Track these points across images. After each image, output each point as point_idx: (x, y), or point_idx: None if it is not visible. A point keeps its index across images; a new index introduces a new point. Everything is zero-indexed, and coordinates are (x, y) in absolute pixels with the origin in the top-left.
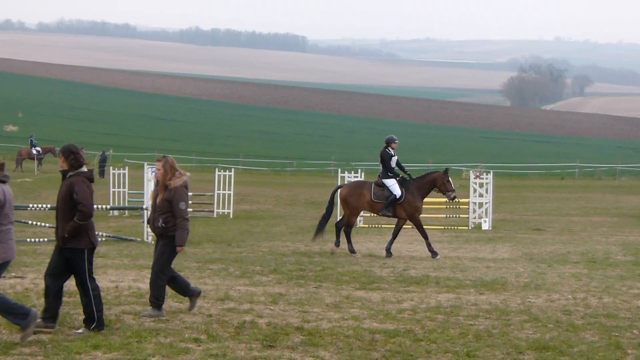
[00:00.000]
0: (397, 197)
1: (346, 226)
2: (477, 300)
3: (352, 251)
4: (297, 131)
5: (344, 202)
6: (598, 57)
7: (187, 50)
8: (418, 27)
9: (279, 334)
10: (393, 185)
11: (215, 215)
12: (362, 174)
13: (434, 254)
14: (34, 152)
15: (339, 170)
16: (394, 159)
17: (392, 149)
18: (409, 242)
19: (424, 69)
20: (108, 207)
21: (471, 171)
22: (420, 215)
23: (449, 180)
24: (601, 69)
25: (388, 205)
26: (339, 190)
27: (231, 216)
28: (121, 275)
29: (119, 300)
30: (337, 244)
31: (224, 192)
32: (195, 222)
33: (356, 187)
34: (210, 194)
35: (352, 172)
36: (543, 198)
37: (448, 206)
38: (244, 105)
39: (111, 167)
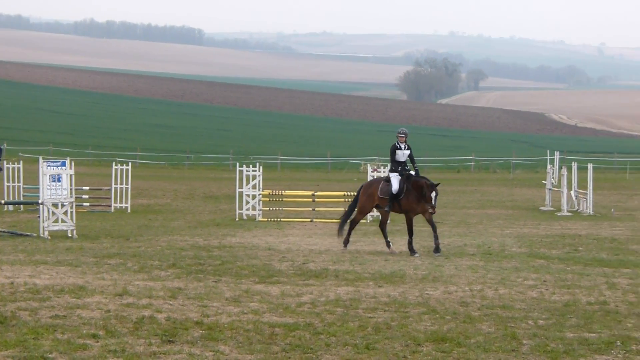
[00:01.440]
0: (394, 192)
1: (352, 221)
2: (375, 293)
3: (345, 243)
4: (195, 125)
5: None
6: (491, 52)
7: (82, 43)
8: (315, 21)
9: (178, 329)
10: (393, 179)
11: (112, 210)
12: (260, 167)
13: (412, 252)
14: None
15: (237, 163)
16: (403, 152)
17: (401, 142)
18: (307, 235)
19: (321, 62)
20: (2, 201)
21: (369, 164)
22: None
23: (430, 196)
24: (495, 63)
25: (391, 201)
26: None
27: (129, 210)
28: (17, 271)
29: (14, 297)
30: (389, 244)
31: (121, 186)
32: (92, 216)
33: (369, 187)
34: (107, 188)
35: (250, 165)
36: (440, 191)
37: (347, 199)
38: (140, 99)
39: (4, 161)
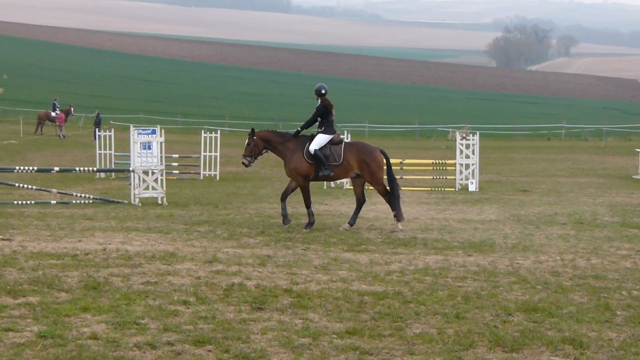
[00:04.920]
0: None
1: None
2: (465, 262)
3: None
4: (282, 92)
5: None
6: (583, 17)
7: (172, 12)
8: None
9: (267, 296)
10: None
11: (201, 178)
12: (348, 135)
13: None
14: (53, 114)
15: None
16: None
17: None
18: None
19: (408, 29)
20: (95, 169)
21: (457, 132)
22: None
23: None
24: (586, 29)
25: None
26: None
27: (218, 178)
28: (109, 238)
29: (107, 263)
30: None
31: (210, 154)
32: (181, 184)
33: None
34: (196, 155)
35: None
36: (529, 159)
37: (435, 168)
38: (228, 67)
39: (97, 129)
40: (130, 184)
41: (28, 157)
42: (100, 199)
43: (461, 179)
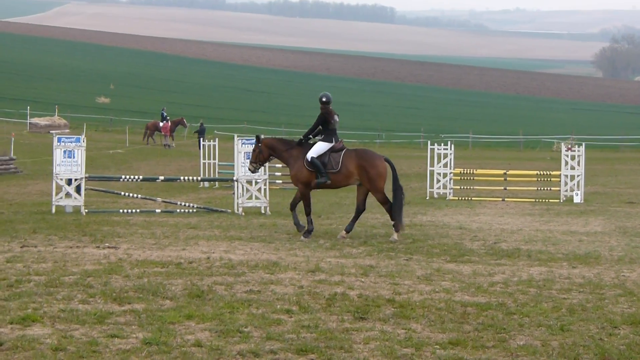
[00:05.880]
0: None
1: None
2: (569, 274)
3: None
4: (386, 103)
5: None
6: None
7: (276, 22)
8: None
9: (370, 306)
10: None
11: None
12: (452, 145)
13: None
14: (162, 124)
15: (428, 142)
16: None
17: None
18: (499, 214)
19: (513, 40)
20: (199, 178)
21: (562, 143)
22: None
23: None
24: None
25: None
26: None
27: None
28: (212, 246)
29: (211, 271)
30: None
31: None
32: (284, 193)
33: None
34: None
35: (442, 144)
36: (636, 170)
37: (539, 179)
38: (332, 77)
39: (201, 139)
40: (234, 193)
41: (134, 166)
42: (204, 208)
43: (566, 191)
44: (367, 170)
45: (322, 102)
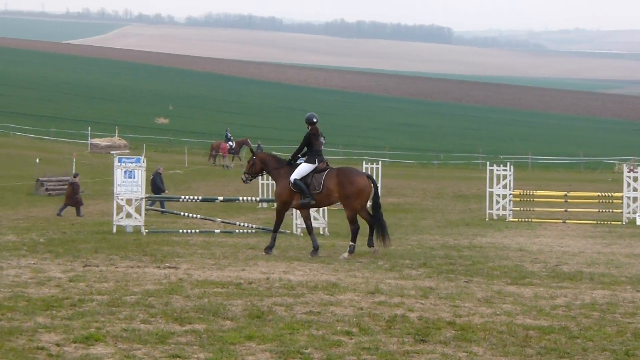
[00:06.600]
0: None
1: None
2: (634, 298)
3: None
4: (443, 123)
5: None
6: None
7: (333, 43)
8: (567, 17)
9: (430, 328)
10: None
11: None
12: (511, 167)
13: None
14: (228, 145)
15: (487, 163)
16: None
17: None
18: (560, 236)
19: (572, 59)
20: (257, 199)
21: (624, 165)
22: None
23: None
24: None
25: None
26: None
27: None
28: (272, 267)
29: (270, 292)
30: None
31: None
32: (342, 214)
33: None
34: None
35: (501, 164)
36: None
37: (600, 201)
38: (390, 98)
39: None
40: (292, 214)
41: (192, 186)
42: (263, 229)
43: (628, 213)
44: (344, 186)
45: (311, 123)
